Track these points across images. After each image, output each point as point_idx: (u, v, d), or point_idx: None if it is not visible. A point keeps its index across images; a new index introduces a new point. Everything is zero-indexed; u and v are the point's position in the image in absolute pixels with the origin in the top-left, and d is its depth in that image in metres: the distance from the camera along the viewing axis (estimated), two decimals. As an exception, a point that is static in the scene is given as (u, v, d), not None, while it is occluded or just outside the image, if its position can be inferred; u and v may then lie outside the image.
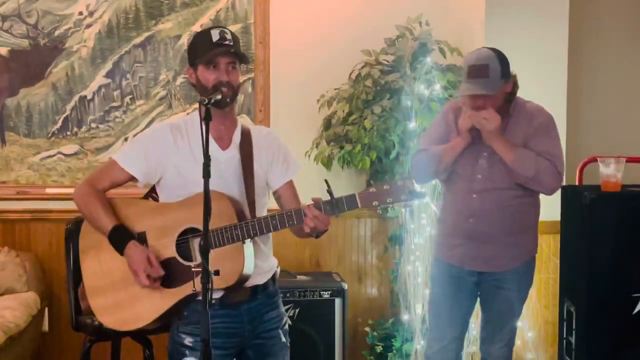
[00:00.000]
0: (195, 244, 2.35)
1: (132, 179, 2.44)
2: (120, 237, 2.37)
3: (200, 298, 2.32)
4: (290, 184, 2.55)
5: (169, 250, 2.38)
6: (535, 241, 3.21)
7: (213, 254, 2.23)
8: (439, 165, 3.13)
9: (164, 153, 2.41)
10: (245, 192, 2.42)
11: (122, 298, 2.41)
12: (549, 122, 3.12)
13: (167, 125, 2.48)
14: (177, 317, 2.42)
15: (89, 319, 3.22)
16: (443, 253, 3.24)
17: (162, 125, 2.51)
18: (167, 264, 2.37)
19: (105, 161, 2.85)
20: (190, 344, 2.39)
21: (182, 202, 2.38)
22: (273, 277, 2.53)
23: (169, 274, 2.37)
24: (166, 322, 2.45)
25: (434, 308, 3.29)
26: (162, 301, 2.37)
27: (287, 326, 2.56)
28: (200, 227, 2.15)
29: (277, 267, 2.57)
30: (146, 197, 2.53)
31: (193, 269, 2.31)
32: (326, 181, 2.27)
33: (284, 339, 2.53)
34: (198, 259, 2.32)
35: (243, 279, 2.36)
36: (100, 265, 2.45)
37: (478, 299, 3.27)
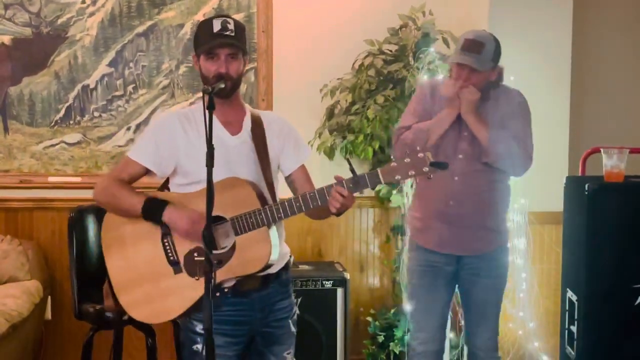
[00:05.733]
0: (220, 232, 2.34)
1: (148, 171, 2.43)
2: (156, 206, 2.35)
3: (224, 286, 2.34)
4: (303, 167, 2.56)
5: (195, 240, 2.35)
6: (507, 227, 3.24)
7: (239, 240, 2.25)
8: (428, 141, 3.05)
9: (174, 141, 2.41)
10: (263, 175, 2.42)
11: (152, 291, 2.39)
12: (525, 105, 3.14)
13: (174, 114, 2.48)
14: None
15: (92, 307, 3.24)
16: (419, 238, 3.23)
17: (170, 114, 2.51)
18: (193, 253, 2.36)
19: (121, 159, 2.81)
20: (202, 331, 2.38)
21: (203, 192, 2.35)
22: (286, 266, 2.52)
23: (196, 264, 2.35)
24: (196, 311, 2.40)
25: (414, 298, 3.29)
26: (192, 292, 2.35)
27: (295, 316, 2.57)
28: (224, 215, 2.22)
29: (291, 256, 2.57)
30: (161, 189, 2.52)
31: (221, 253, 2.31)
32: (348, 160, 2.30)
33: (292, 329, 2.55)
34: (224, 245, 2.33)
35: (268, 266, 2.36)
36: (127, 260, 2.42)
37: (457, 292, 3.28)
